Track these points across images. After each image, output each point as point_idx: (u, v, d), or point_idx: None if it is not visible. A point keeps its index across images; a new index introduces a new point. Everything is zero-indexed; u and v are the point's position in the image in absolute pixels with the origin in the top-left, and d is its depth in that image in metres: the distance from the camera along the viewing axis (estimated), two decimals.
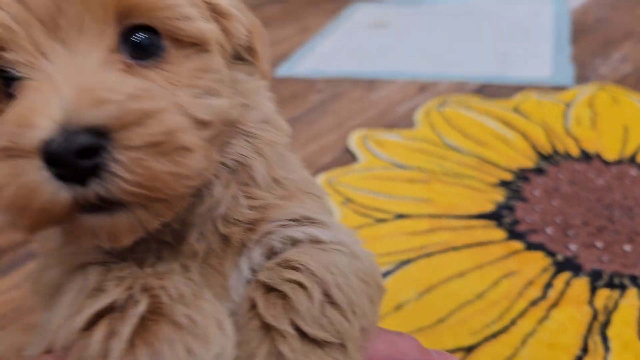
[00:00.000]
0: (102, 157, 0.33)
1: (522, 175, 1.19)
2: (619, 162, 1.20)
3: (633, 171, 1.17)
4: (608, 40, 1.88)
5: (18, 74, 0.38)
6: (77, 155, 0.33)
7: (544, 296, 0.89)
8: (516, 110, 1.46)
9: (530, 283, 0.92)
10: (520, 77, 1.67)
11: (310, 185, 0.50)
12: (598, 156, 1.23)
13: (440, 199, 1.13)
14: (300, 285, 0.38)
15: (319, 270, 0.39)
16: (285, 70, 1.83)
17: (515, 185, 1.16)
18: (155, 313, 0.36)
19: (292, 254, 0.41)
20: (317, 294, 0.38)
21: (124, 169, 0.33)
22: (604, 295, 0.89)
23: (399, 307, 0.89)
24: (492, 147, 1.30)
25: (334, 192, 1.17)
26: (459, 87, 1.64)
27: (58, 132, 0.33)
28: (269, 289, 0.39)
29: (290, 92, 1.69)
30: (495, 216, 1.07)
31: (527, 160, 1.24)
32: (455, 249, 0.99)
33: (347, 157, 1.32)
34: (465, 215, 1.08)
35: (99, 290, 0.38)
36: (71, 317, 0.37)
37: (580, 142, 1.29)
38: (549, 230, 1.02)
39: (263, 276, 0.40)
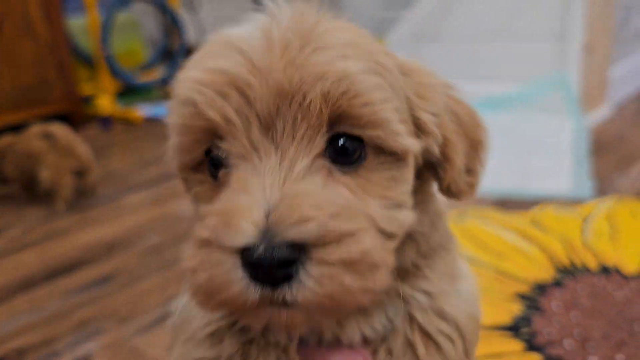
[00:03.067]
0: (298, 268, 0.36)
1: (540, 287, 1.20)
2: (638, 276, 1.20)
3: None
4: (627, 156, 1.93)
5: (227, 162, 0.41)
6: (275, 266, 0.35)
7: None
8: (534, 223, 1.48)
9: None
10: (540, 190, 1.71)
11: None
12: (617, 270, 1.23)
13: None
14: (450, 339, 0.49)
15: (463, 324, 0.49)
16: None
17: (533, 297, 1.16)
18: None
19: (441, 303, 0.49)
20: (460, 346, 0.49)
21: (315, 282, 0.36)
22: None
23: None
24: (510, 260, 1.31)
25: None
26: (479, 200, 1.68)
27: (261, 240, 0.35)
28: (426, 335, 0.49)
29: None
30: (512, 327, 1.07)
31: (545, 274, 1.25)
32: None
33: None
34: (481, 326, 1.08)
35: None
36: None
37: (598, 256, 1.30)
38: (568, 343, 1.02)
39: (420, 318, 0.48)
